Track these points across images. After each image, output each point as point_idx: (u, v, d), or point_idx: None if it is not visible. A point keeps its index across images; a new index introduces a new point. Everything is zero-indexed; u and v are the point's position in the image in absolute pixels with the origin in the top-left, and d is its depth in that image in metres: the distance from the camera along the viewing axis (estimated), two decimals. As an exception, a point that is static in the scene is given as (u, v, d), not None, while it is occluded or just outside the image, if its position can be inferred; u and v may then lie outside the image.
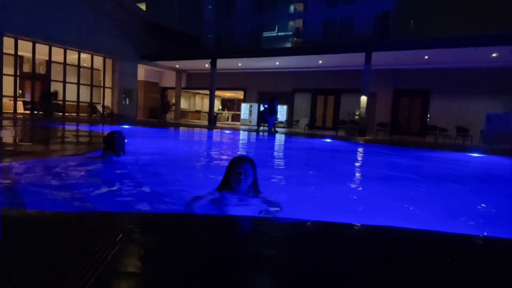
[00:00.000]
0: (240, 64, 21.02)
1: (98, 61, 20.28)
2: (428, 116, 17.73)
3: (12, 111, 16.84)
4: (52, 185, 3.26)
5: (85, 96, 19.89)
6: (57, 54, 18.03)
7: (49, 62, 18.02)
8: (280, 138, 12.65)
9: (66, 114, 18.49)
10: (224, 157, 6.80)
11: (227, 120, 27.21)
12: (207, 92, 22.27)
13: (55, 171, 3.84)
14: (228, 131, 14.42)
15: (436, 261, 1.46)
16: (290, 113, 21.13)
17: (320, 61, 18.51)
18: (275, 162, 6.46)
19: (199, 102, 30.08)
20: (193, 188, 2.99)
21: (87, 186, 3.28)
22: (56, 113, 17.44)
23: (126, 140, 4.72)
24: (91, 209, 2.68)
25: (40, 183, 3.30)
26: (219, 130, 15.43)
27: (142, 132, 12.28)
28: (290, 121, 20.53)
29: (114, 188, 3.29)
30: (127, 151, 4.70)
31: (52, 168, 3.94)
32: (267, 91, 21.01)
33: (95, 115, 19.20)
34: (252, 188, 2.49)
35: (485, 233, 2.64)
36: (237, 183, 2.37)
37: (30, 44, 16.75)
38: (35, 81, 18.77)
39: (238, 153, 7.99)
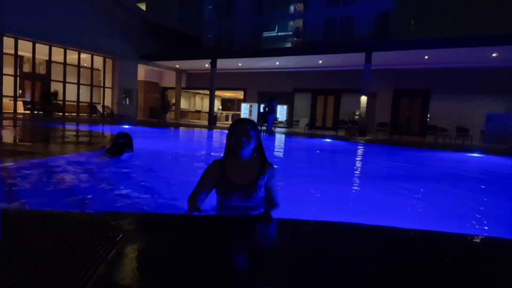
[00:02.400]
0: (240, 64, 21.02)
1: (98, 61, 20.29)
2: (428, 116, 17.73)
3: (12, 111, 16.85)
4: (66, 183, 3.32)
5: (85, 96, 19.89)
6: (57, 54, 18.03)
7: (49, 62, 18.03)
8: (280, 138, 12.65)
9: (66, 114, 18.50)
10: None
11: (227, 120, 27.21)
12: (207, 92, 22.28)
13: (66, 169, 3.94)
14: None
15: (436, 261, 1.46)
16: (290, 113, 21.13)
17: (320, 61, 18.51)
18: (276, 162, 6.46)
19: (199, 102, 30.09)
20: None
21: (102, 183, 3.36)
22: (56, 113, 17.45)
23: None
24: (97, 207, 2.70)
25: (55, 181, 3.35)
26: (219, 130, 15.43)
27: (143, 132, 12.27)
28: (290, 121, 20.54)
29: (129, 186, 3.34)
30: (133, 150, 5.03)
31: (63, 167, 4.04)
32: (267, 91, 21.02)
33: (95, 115, 19.20)
34: (257, 154, 2.22)
35: (485, 232, 2.64)
36: (239, 147, 2.10)
37: (30, 44, 16.75)
38: (35, 81, 18.79)
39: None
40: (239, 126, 2.14)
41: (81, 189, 3.10)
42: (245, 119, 2.25)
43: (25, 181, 3.16)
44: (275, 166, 2.22)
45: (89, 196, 2.90)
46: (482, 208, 3.53)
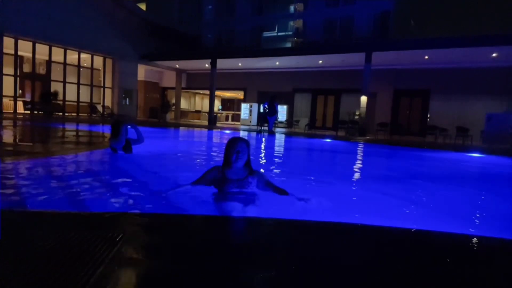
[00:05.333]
0: (240, 64, 21.02)
1: (98, 61, 20.28)
2: (428, 116, 17.73)
3: (12, 111, 16.84)
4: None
5: (85, 96, 19.89)
6: (57, 54, 18.02)
7: (49, 62, 18.02)
8: (280, 138, 12.65)
9: (66, 114, 18.49)
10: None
11: (227, 120, 27.21)
12: (207, 92, 22.27)
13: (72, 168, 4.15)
14: (228, 131, 14.42)
15: (436, 261, 1.46)
16: (290, 113, 21.12)
17: (320, 61, 18.51)
18: (277, 162, 6.45)
19: (199, 102, 30.08)
20: (197, 188, 3.02)
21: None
22: (56, 113, 17.44)
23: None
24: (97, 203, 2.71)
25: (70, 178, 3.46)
26: (219, 130, 15.43)
27: (145, 132, 12.27)
28: (290, 121, 20.53)
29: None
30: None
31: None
32: (267, 91, 21.01)
33: (95, 115, 19.19)
34: (247, 165, 2.82)
35: (485, 232, 2.64)
36: (234, 161, 2.69)
37: (30, 44, 16.75)
38: (35, 81, 18.77)
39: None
40: (235, 144, 2.72)
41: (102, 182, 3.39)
42: (237, 139, 2.79)
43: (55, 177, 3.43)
44: (262, 170, 2.97)
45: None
46: (481, 208, 3.53)
